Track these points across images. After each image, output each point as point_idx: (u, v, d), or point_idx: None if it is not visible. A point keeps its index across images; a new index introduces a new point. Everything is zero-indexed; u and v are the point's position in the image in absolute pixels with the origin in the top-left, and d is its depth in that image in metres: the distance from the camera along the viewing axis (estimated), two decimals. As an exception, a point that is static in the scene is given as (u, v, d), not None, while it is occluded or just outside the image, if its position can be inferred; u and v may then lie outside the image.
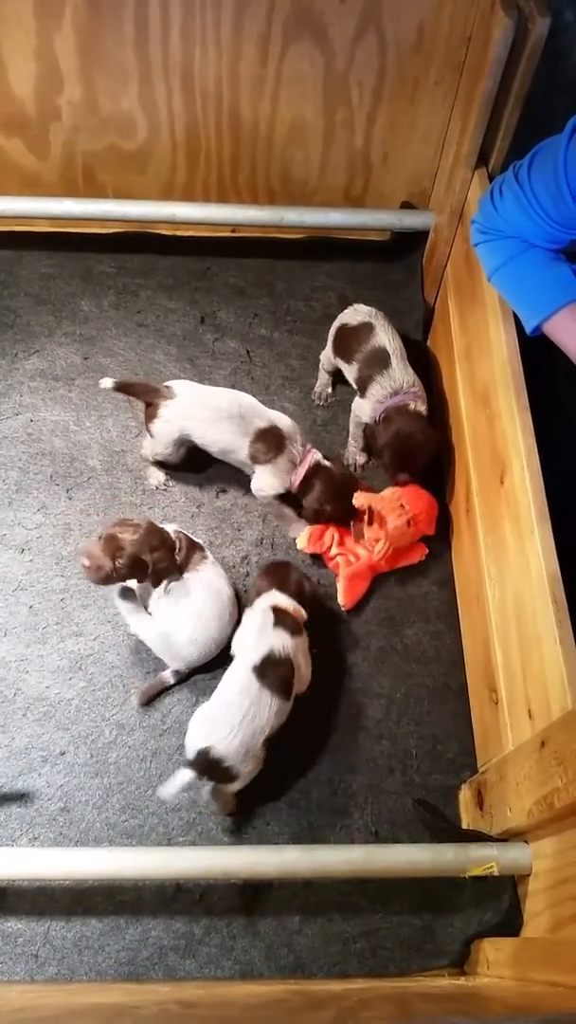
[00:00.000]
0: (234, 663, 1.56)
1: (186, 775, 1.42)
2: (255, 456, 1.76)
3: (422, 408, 1.78)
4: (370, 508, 1.75)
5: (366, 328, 1.84)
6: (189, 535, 1.70)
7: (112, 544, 1.55)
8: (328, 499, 1.75)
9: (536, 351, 1.53)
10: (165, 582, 1.63)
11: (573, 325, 1.43)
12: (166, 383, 1.81)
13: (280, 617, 1.56)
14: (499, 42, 1.50)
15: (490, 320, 1.60)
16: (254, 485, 1.80)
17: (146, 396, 1.80)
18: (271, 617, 1.55)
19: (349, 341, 1.86)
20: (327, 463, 1.78)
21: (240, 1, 1.70)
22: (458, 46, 1.72)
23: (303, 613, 1.60)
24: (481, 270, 1.60)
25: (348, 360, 1.87)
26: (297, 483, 1.76)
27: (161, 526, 1.64)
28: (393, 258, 2.17)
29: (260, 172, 2.06)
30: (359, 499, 1.76)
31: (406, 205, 2.08)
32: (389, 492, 1.79)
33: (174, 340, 2.10)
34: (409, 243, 2.11)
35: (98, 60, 1.82)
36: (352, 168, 2.03)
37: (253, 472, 1.79)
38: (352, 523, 1.79)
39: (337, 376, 1.99)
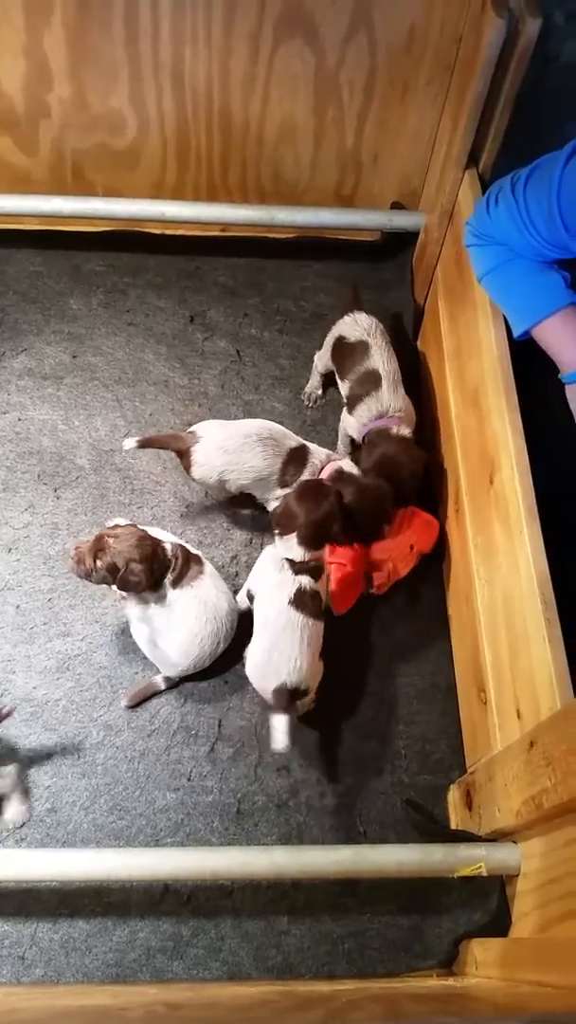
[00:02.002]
0: (262, 604, 1.59)
1: (282, 720, 1.46)
2: (285, 480, 1.73)
3: (405, 431, 1.75)
4: (390, 568, 1.74)
5: (362, 347, 1.81)
6: (187, 547, 1.67)
7: (97, 545, 1.55)
8: (358, 505, 1.63)
9: (525, 352, 1.53)
10: (150, 593, 1.61)
11: (561, 332, 1.44)
12: (189, 429, 1.77)
13: (298, 567, 1.57)
14: (490, 43, 1.49)
15: (480, 320, 1.60)
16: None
17: (173, 445, 1.76)
18: (288, 568, 1.57)
19: (344, 357, 1.85)
20: (355, 471, 1.70)
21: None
22: (449, 47, 1.72)
23: (323, 559, 1.60)
24: (471, 271, 1.60)
25: (341, 375, 1.86)
26: None
27: (159, 539, 1.62)
28: (383, 258, 2.17)
29: (251, 171, 2.05)
30: (379, 567, 1.73)
31: (396, 205, 2.08)
32: (398, 535, 1.76)
33: (163, 339, 2.09)
34: (399, 243, 2.11)
35: (88, 58, 1.81)
36: (342, 168, 2.03)
37: (279, 498, 1.72)
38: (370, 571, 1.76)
39: (329, 378, 1.98)
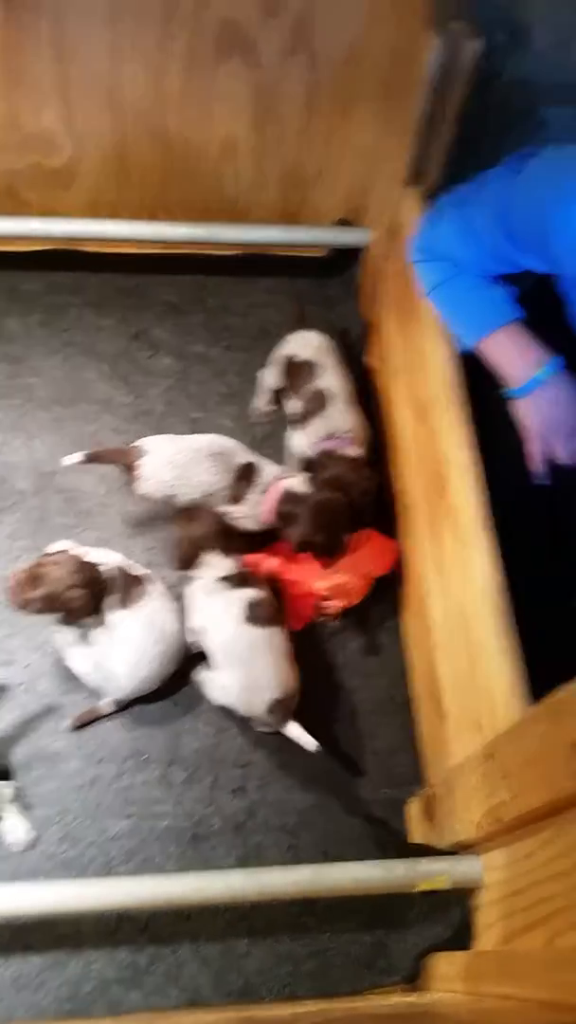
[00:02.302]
0: (216, 634, 1.57)
1: (294, 727, 1.51)
2: (235, 495, 1.71)
3: (355, 452, 1.74)
4: (342, 598, 1.73)
5: (312, 366, 1.81)
6: (130, 568, 1.64)
7: (33, 575, 1.51)
8: (315, 528, 1.64)
9: (473, 365, 1.55)
10: (92, 618, 1.58)
11: (506, 347, 1.46)
12: (135, 443, 1.73)
13: (232, 581, 1.57)
14: (430, 62, 1.51)
15: (427, 335, 1.61)
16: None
17: (119, 459, 1.72)
18: (225, 585, 1.57)
19: (294, 376, 1.84)
20: (305, 490, 1.68)
21: (165, 16, 1.67)
22: (390, 64, 1.73)
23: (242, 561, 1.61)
24: (418, 286, 1.61)
25: (291, 394, 1.85)
26: (266, 516, 1.71)
27: (96, 562, 1.58)
28: (331, 274, 2.18)
29: (192, 189, 2.03)
30: (334, 593, 1.71)
31: (343, 221, 2.09)
32: (352, 560, 1.74)
33: (106, 358, 2.06)
34: (346, 259, 2.12)
35: (17, 77, 1.77)
36: (287, 184, 2.03)
37: (229, 514, 1.73)
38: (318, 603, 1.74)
39: (277, 395, 1.98)
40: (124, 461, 1.72)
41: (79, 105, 1.84)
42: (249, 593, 1.56)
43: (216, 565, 1.58)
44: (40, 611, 1.54)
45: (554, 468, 1.54)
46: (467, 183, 1.47)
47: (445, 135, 1.63)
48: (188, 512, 1.65)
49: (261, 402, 2.01)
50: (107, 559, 1.63)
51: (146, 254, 2.13)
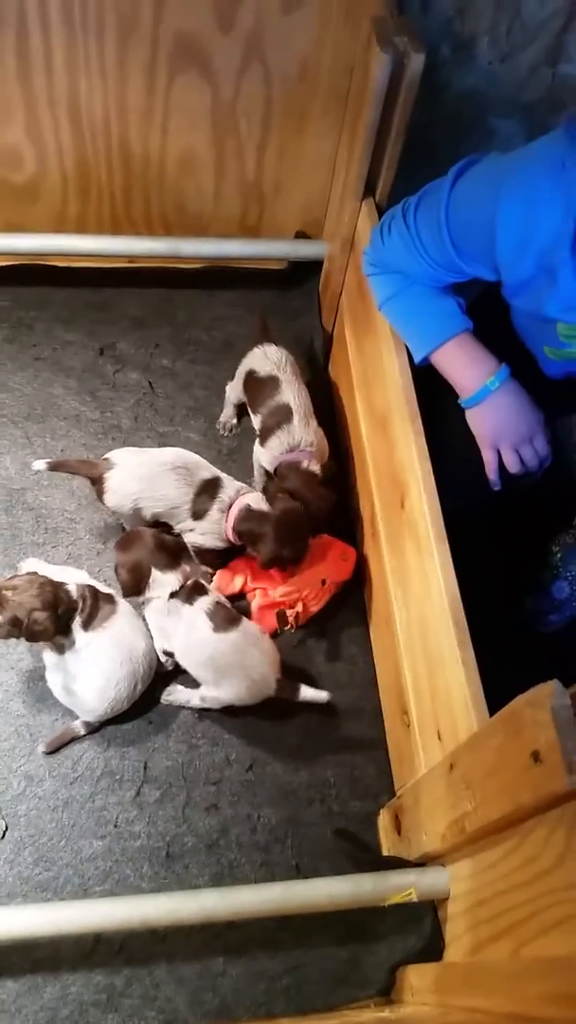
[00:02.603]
0: (193, 654, 1.59)
1: (306, 689, 1.60)
2: (197, 511, 1.71)
3: (315, 467, 1.75)
4: (299, 611, 1.74)
5: (272, 382, 1.81)
6: (97, 586, 1.64)
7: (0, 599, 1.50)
8: (281, 544, 1.65)
9: (431, 377, 1.56)
10: (62, 637, 1.58)
11: (458, 357, 1.47)
12: (104, 456, 1.75)
13: (183, 595, 1.59)
14: (377, 76, 1.52)
15: (383, 348, 1.62)
16: (192, 541, 1.75)
17: (85, 471, 1.74)
18: (182, 603, 1.59)
19: (254, 391, 1.84)
20: (263, 507, 1.69)
21: (123, 30, 1.68)
22: (341, 78, 1.75)
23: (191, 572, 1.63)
24: (373, 299, 1.62)
25: (253, 409, 1.85)
26: (230, 531, 1.71)
27: (61, 582, 1.57)
28: (292, 286, 2.18)
29: (154, 203, 2.05)
30: (284, 597, 1.72)
31: (301, 234, 2.10)
32: (310, 567, 1.76)
33: (73, 373, 2.06)
34: (306, 271, 2.13)
35: (-20, 93, 1.78)
36: (246, 198, 2.04)
37: (191, 531, 1.74)
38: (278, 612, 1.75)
39: (243, 408, 1.98)
40: (89, 474, 1.73)
41: (43, 120, 1.85)
42: (204, 603, 1.58)
43: (163, 583, 1.58)
44: (8, 636, 1.53)
45: (507, 475, 1.55)
46: (413, 195, 1.48)
47: (395, 146, 1.64)
48: (124, 538, 1.66)
49: (227, 416, 2.01)
50: (73, 578, 1.63)
51: (112, 268, 2.14)
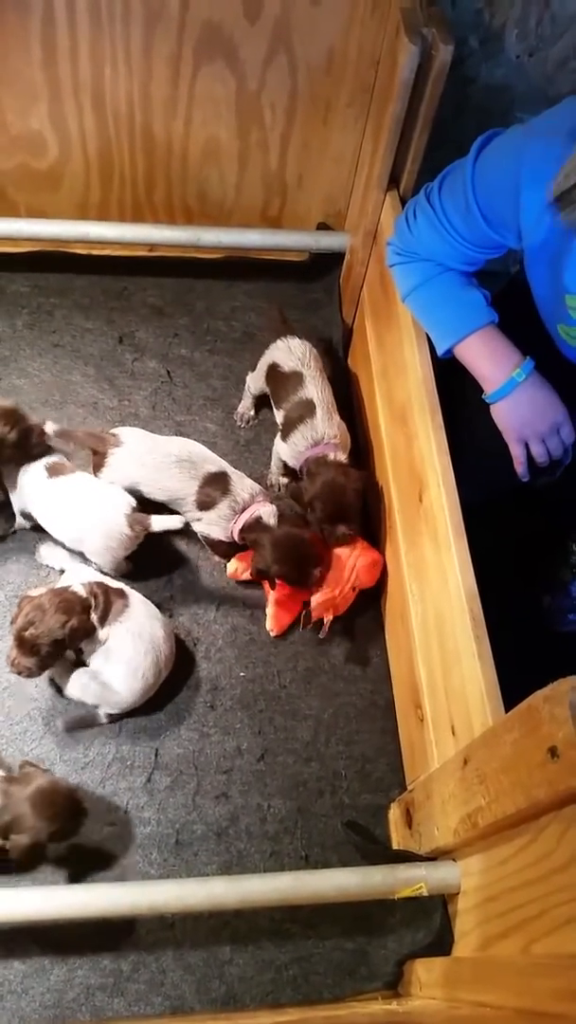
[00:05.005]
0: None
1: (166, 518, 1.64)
2: (203, 502, 1.71)
3: (342, 457, 1.74)
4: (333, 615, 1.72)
5: (296, 376, 1.80)
6: (106, 583, 1.63)
7: (22, 644, 1.49)
8: (274, 560, 1.65)
9: (450, 371, 1.55)
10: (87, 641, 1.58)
11: (482, 349, 1.46)
12: (112, 430, 1.75)
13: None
14: (405, 67, 1.51)
15: (404, 340, 1.61)
16: (200, 531, 1.76)
17: (91, 444, 1.73)
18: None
19: (278, 385, 1.83)
20: (272, 521, 1.70)
21: (149, 21, 1.68)
22: (368, 69, 1.74)
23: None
24: (395, 291, 1.61)
25: (276, 403, 1.85)
26: (236, 532, 1.71)
27: (65, 587, 1.56)
28: (312, 278, 2.18)
29: (176, 192, 2.04)
30: (317, 609, 1.70)
31: (323, 226, 2.09)
32: (342, 578, 1.73)
33: (91, 360, 2.06)
34: (327, 263, 2.12)
35: (6, 79, 1.78)
36: (268, 189, 2.03)
37: (199, 520, 1.74)
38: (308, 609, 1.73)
39: (261, 399, 1.97)
40: (94, 447, 1.73)
41: (67, 107, 1.85)
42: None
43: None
44: (55, 660, 1.55)
45: (533, 469, 1.54)
46: (433, 180, 1.47)
47: (420, 139, 1.63)
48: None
49: (245, 407, 2.01)
50: (83, 578, 1.62)
51: (132, 256, 2.13)
